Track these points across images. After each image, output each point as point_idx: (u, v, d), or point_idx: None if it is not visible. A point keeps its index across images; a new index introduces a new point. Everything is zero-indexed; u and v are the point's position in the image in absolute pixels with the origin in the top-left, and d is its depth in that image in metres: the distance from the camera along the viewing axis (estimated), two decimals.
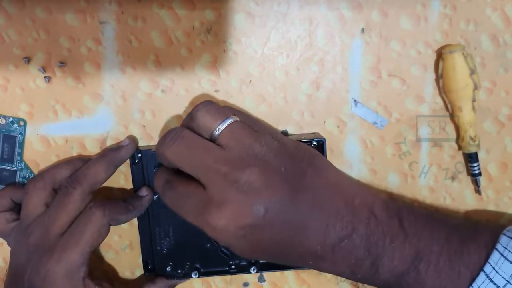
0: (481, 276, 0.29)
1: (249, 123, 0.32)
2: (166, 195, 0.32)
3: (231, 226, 0.29)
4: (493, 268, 0.29)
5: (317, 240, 0.30)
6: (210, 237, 0.30)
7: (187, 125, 0.32)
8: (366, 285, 0.40)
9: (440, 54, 0.37)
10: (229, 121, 0.31)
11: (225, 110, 0.32)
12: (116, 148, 0.36)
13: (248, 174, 0.29)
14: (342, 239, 0.30)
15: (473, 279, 0.29)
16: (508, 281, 0.29)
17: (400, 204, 0.33)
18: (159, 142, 0.32)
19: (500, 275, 0.29)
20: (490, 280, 0.29)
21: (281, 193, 0.30)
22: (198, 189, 0.30)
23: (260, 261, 0.39)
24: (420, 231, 0.31)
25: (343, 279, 0.40)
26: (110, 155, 0.36)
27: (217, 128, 0.31)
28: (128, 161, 0.37)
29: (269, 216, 0.29)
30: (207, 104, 0.32)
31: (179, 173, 0.32)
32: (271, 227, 0.29)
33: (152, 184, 0.37)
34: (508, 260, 0.29)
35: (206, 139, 0.31)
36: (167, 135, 0.31)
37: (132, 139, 0.37)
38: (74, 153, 0.38)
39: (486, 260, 0.30)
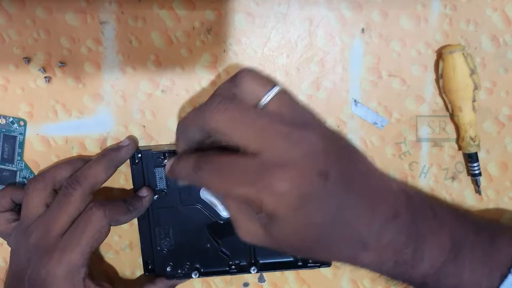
0: (510, 277, 0.29)
1: None
2: (203, 170, 0.28)
3: (294, 192, 0.26)
4: None
5: (363, 221, 0.28)
6: (263, 207, 0.26)
7: (228, 93, 0.30)
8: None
9: (440, 54, 0.37)
10: (277, 88, 0.29)
11: (271, 78, 0.30)
12: (116, 148, 0.36)
13: (310, 135, 0.27)
14: (387, 221, 0.28)
15: (503, 276, 0.29)
16: None
17: (429, 195, 0.32)
18: (196, 111, 0.29)
19: None
20: None
21: (338, 163, 0.27)
22: (246, 156, 0.27)
23: (260, 261, 0.39)
24: (451, 223, 0.30)
25: (345, 279, 0.40)
26: (110, 155, 0.36)
27: (266, 96, 0.28)
28: (128, 161, 0.37)
29: (328, 186, 0.27)
30: (252, 71, 0.29)
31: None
32: (326, 200, 0.27)
33: (153, 184, 0.37)
34: None
35: None
36: (213, 100, 0.28)
37: (132, 139, 0.37)
38: (74, 153, 0.38)
39: None
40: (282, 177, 0.26)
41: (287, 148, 0.26)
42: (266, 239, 0.28)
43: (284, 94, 0.29)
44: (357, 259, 0.29)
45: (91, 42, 0.37)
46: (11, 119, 0.38)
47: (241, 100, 0.28)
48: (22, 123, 0.38)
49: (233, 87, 0.29)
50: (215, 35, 0.37)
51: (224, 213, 0.34)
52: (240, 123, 0.27)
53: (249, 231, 0.28)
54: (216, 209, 0.34)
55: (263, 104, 0.28)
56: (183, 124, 0.30)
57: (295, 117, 0.28)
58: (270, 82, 0.29)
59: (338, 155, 0.28)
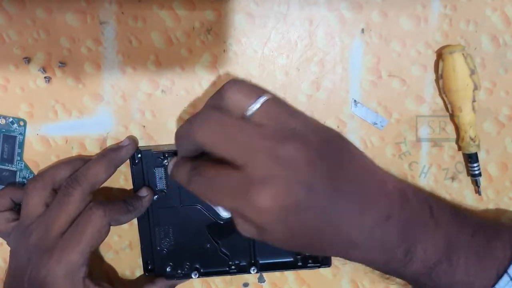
0: (505, 277, 0.29)
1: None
2: (194, 182, 0.30)
3: (276, 206, 0.27)
4: None
5: (353, 224, 0.28)
6: (249, 219, 0.28)
7: (215, 105, 0.30)
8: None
9: (440, 55, 0.37)
10: (263, 99, 0.28)
11: (257, 88, 0.30)
12: (116, 148, 0.36)
13: (291, 149, 0.27)
14: (378, 223, 0.29)
15: (498, 277, 0.29)
16: None
17: (428, 193, 0.32)
18: (186, 125, 0.30)
19: None
20: None
21: (323, 171, 0.27)
22: (232, 171, 0.27)
23: (260, 261, 0.39)
24: (449, 222, 0.30)
25: (345, 279, 0.40)
26: (110, 155, 0.36)
27: (251, 107, 0.28)
28: (128, 161, 0.37)
29: (312, 196, 0.27)
30: (237, 82, 0.29)
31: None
32: (311, 209, 0.27)
33: (152, 184, 0.37)
34: None
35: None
36: (196, 117, 0.29)
37: (132, 139, 0.37)
38: (74, 153, 0.38)
39: (510, 260, 0.29)
40: (263, 193, 0.26)
41: (268, 164, 0.27)
42: (260, 238, 0.29)
43: (271, 104, 0.29)
44: (348, 255, 0.30)
45: (91, 42, 0.37)
46: (11, 119, 0.38)
47: (226, 114, 0.29)
48: (22, 123, 0.38)
49: (219, 100, 0.29)
50: (215, 35, 0.37)
51: (224, 213, 0.34)
52: (223, 139, 0.28)
53: (245, 229, 0.29)
54: (216, 209, 0.34)
55: (249, 115, 0.28)
56: (177, 135, 0.31)
57: (280, 128, 0.28)
58: (255, 93, 0.29)
59: (324, 163, 0.28)
